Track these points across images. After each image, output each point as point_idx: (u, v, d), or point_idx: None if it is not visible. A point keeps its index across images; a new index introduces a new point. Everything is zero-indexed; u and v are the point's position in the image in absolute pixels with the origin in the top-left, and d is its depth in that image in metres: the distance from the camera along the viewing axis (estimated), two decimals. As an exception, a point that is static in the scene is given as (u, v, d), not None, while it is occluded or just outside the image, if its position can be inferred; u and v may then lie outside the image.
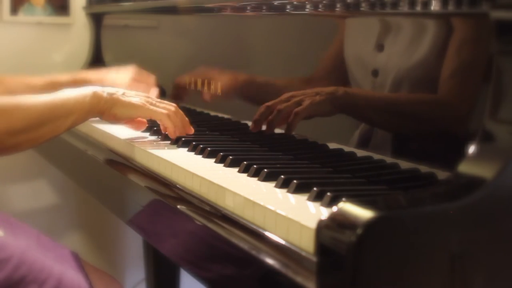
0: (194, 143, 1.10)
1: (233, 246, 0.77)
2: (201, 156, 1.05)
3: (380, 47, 0.96)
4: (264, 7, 1.17)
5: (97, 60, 1.94)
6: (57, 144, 1.40)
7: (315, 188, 0.79)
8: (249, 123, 1.20)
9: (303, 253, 0.68)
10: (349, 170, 0.91)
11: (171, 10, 1.53)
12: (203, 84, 1.36)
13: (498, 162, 0.68)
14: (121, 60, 1.88)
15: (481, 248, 0.67)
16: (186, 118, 1.17)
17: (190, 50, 1.50)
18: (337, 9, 0.99)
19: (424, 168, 0.86)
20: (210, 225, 0.83)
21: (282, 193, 0.83)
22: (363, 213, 0.60)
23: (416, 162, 0.88)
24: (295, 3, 1.09)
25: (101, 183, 1.31)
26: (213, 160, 1.01)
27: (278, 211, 0.74)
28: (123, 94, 1.13)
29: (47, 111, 1.04)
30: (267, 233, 0.74)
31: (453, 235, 0.65)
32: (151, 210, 1.04)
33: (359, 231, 0.59)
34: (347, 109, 1.01)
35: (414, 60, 0.90)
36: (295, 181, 0.83)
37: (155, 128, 1.22)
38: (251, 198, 0.79)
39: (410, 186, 0.81)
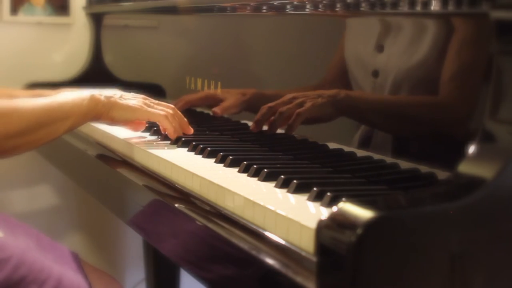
0: (194, 143, 1.10)
1: (233, 246, 0.77)
2: (201, 156, 1.05)
3: (380, 48, 0.96)
4: (264, 7, 1.17)
5: (97, 60, 1.94)
6: (57, 145, 1.40)
7: (315, 188, 0.79)
8: (249, 123, 1.20)
9: (303, 253, 0.68)
10: (349, 170, 0.91)
11: (171, 10, 1.53)
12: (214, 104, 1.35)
13: (498, 162, 0.68)
14: (121, 60, 1.88)
15: (481, 248, 0.67)
16: (185, 119, 1.17)
17: (190, 50, 1.50)
18: (337, 9, 0.99)
19: (424, 168, 0.86)
20: (210, 225, 0.83)
21: (282, 193, 0.83)
22: (363, 213, 0.60)
23: (416, 162, 0.88)
24: (295, 3, 1.09)
25: (101, 183, 1.31)
26: (213, 160, 1.01)
27: (278, 211, 0.74)
28: (121, 97, 1.13)
29: (45, 114, 1.04)
30: (267, 233, 0.74)
31: (453, 235, 0.65)
32: (151, 210, 1.04)
33: (359, 231, 0.59)
34: (349, 112, 1.01)
35: (414, 61, 0.90)
36: (295, 181, 0.83)
37: (155, 128, 1.22)
38: (251, 198, 0.79)
39: (410, 186, 0.80)
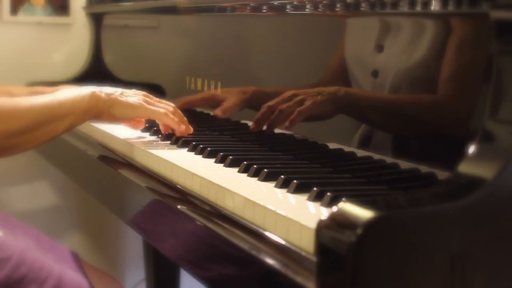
0: (194, 143, 1.10)
1: (233, 246, 0.77)
2: (201, 156, 1.05)
3: (380, 48, 0.96)
4: (264, 7, 1.17)
5: (97, 60, 1.94)
6: (57, 144, 1.40)
7: (315, 188, 0.79)
8: (249, 123, 1.20)
9: (303, 253, 0.68)
10: (349, 170, 0.91)
11: (171, 10, 1.53)
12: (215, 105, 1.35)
13: (498, 162, 0.68)
14: (121, 60, 1.88)
15: (481, 248, 0.67)
16: (185, 118, 1.17)
17: (190, 50, 1.50)
18: (337, 9, 0.99)
19: (424, 168, 0.86)
20: (210, 225, 0.83)
21: (282, 193, 0.83)
22: (363, 213, 0.60)
23: (416, 162, 0.88)
24: (295, 3, 1.09)
25: (101, 183, 1.31)
26: (213, 160, 1.01)
27: (278, 211, 0.74)
28: (121, 94, 1.12)
29: (45, 112, 1.04)
30: (267, 233, 0.74)
31: (453, 235, 0.65)
32: (151, 210, 1.04)
33: (359, 231, 0.59)
34: (348, 110, 1.01)
35: (414, 61, 0.90)
36: (295, 181, 0.83)
37: (155, 128, 1.23)
38: (251, 198, 0.79)
39: (410, 186, 0.81)
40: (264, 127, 1.16)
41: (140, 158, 1.11)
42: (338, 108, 1.03)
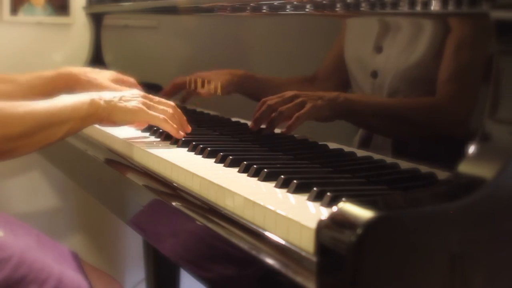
0: (194, 143, 1.10)
1: (233, 246, 0.77)
2: (201, 156, 1.05)
3: (379, 49, 0.96)
4: (264, 7, 1.17)
5: (97, 60, 1.94)
6: (58, 145, 1.40)
7: (315, 188, 0.79)
8: (249, 123, 1.20)
9: (303, 253, 0.68)
10: (349, 170, 0.91)
11: (171, 10, 1.53)
12: (202, 84, 1.37)
13: (498, 162, 0.68)
14: (121, 60, 1.88)
15: (481, 248, 0.67)
16: (184, 117, 1.17)
17: (190, 50, 1.50)
18: (337, 9, 0.99)
19: (424, 168, 0.86)
20: (210, 225, 0.83)
21: (282, 193, 0.83)
22: (363, 213, 0.60)
23: (416, 162, 0.88)
24: (295, 3, 1.09)
25: (101, 183, 1.31)
26: (213, 160, 1.01)
27: (278, 211, 0.74)
28: (120, 99, 1.12)
29: (44, 117, 1.04)
30: (267, 233, 0.74)
31: (453, 235, 0.65)
32: (151, 210, 1.04)
33: (359, 231, 0.59)
34: (348, 116, 1.01)
35: (414, 61, 0.90)
36: (295, 181, 0.83)
37: (155, 128, 1.23)
38: (251, 198, 0.79)
39: (410, 186, 0.80)
40: (263, 126, 1.16)
41: (140, 158, 1.11)
42: (337, 114, 1.03)
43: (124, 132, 1.23)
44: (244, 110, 1.27)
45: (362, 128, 0.99)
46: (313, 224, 0.65)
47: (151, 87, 1.57)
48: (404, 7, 0.87)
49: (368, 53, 0.98)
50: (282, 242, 0.72)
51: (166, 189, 0.98)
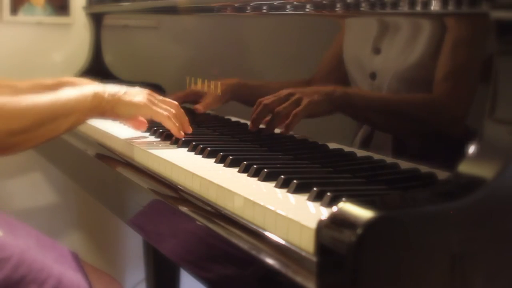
0: (194, 143, 1.10)
1: (233, 246, 0.77)
2: (201, 156, 1.05)
3: (377, 50, 0.96)
4: (264, 7, 1.17)
5: (97, 60, 1.94)
6: (57, 144, 1.40)
7: (315, 188, 0.79)
8: (249, 124, 1.20)
9: (303, 253, 0.68)
10: (349, 170, 0.91)
11: (171, 10, 1.53)
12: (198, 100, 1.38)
13: (498, 162, 0.68)
14: (121, 60, 1.88)
15: (481, 248, 0.67)
16: (186, 118, 1.17)
17: (190, 50, 1.50)
18: (337, 9, 0.99)
19: (424, 168, 0.86)
20: (210, 225, 0.83)
21: (282, 193, 0.83)
22: (363, 213, 0.60)
23: (416, 162, 0.88)
24: (295, 3, 1.09)
25: (101, 183, 1.31)
26: (213, 160, 1.01)
27: (278, 211, 0.74)
28: (125, 93, 1.12)
29: (47, 111, 1.04)
30: (267, 233, 0.74)
31: (453, 235, 0.65)
32: (151, 210, 1.04)
33: (359, 231, 0.59)
34: (346, 109, 1.01)
35: (414, 62, 0.90)
36: (295, 181, 0.83)
37: (155, 128, 1.23)
38: (251, 198, 0.79)
39: (410, 186, 0.80)
40: (262, 126, 1.16)
41: (140, 158, 1.11)
42: (334, 108, 1.02)
43: (124, 132, 1.23)
44: (245, 110, 1.27)
45: (360, 123, 0.99)
46: (313, 224, 0.65)
47: (151, 87, 1.57)
48: (404, 7, 0.87)
49: (366, 54, 0.98)
50: (282, 242, 0.72)
51: (166, 189, 0.98)
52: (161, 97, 1.17)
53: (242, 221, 0.79)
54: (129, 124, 1.20)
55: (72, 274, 1.18)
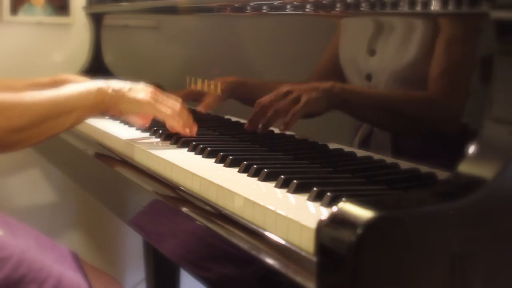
0: (194, 143, 1.10)
1: (233, 246, 0.77)
2: (201, 156, 1.05)
3: (375, 50, 0.95)
4: (264, 7, 1.17)
5: (97, 60, 1.94)
6: (57, 144, 1.40)
7: (315, 188, 0.79)
8: (246, 123, 1.20)
9: (303, 253, 0.68)
10: (349, 170, 0.91)
11: (171, 10, 1.53)
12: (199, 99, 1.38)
13: (498, 162, 0.68)
14: (121, 60, 1.88)
15: (481, 248, 0.67)
16: (190, 115, 1.16)
17: (190, 50, 1.50)
18: (336, 9, 0.99)
19: (424, 168, 0.86)
20: (210, 225, 0.83)
21: (282, 193, 0.83)
22: (363, 213, 0.60)
23: (416, 162, 0.88)
24: (295, 3, 1.09)
25: (101, 183, 1.31)
26: (213, 160, 1.01)
27: (278, 211, 0.74)
28: (130, 89, 1.11)
29: (50, 107, 1.03)
30: (267, 233, 0.74)
31: (453, 235, 0.65)
32: (151, 210, 1.04)
33: (359, 231, 0.59)
34: (344, 107, 1.01)
35: (413, 63, 0.89)
36: (295, 181, 0.83)
37: (155, 128, 1.23)
38: (251, 198, 0.79)
39: (410, 186, 0.80)
40: (260, 126, 1.16)
41: (140, 158, 1.11)
42: (333, 105, 1.02)
43: (124, 132, 1.23)
44: (245, 110, 1.27)
45: (359, 120, 0.99)
46: (313, 224, 0.65)
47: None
48: (404, 7, 0.87)
49: (364, 55, 0.97)
50: (282, 242, 0.72)
51: (166, 189, 0.98)
52: (165, 95, 1.16)
53: (242, 221, 0.79)
54: (132, 120, 1.19)
55: (72, 274, 1.18)
